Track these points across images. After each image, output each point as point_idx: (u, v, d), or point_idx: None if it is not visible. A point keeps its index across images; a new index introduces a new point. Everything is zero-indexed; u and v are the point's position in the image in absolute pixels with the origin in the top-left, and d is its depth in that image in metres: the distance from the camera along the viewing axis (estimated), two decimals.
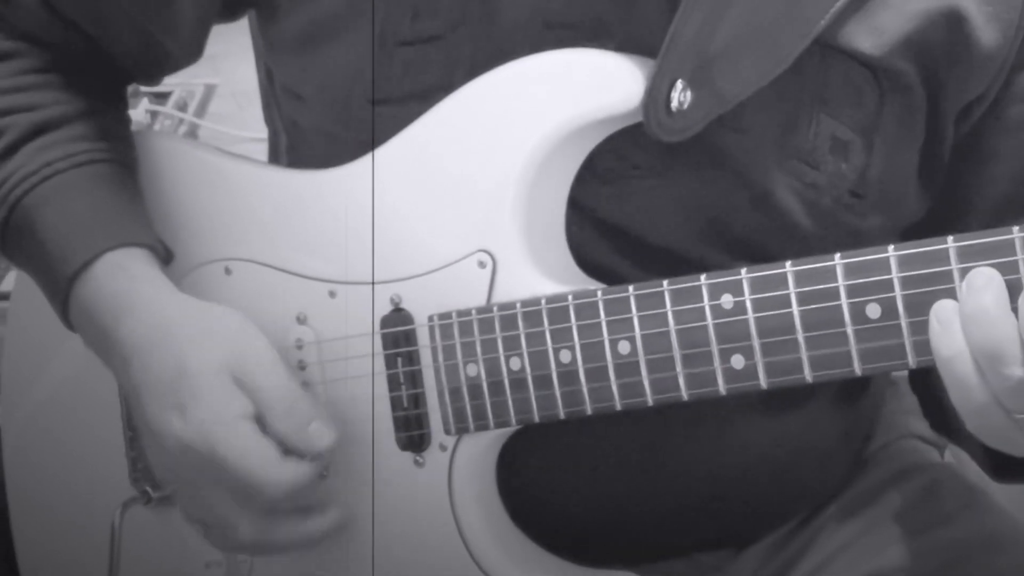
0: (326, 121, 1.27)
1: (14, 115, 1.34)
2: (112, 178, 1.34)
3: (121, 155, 1.37)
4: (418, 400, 1.25)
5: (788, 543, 1.42)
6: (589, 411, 1.17)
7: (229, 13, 1.37)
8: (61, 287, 1.29)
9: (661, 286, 1.13)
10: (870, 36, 1.19)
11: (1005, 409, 0.96)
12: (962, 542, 1.35)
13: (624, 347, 1.15)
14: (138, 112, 2.99)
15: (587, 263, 1.24)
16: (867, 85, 1.22)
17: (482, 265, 1.21)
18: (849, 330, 1.06)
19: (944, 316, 0.97)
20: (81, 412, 1.45)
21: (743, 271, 1.10)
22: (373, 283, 1.25)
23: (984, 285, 0.96)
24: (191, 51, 1.41)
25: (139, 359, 1.24)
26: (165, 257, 1.32)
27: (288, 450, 1.19)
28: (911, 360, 1.05)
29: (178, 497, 1.28)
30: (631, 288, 1.15)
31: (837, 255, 1.07)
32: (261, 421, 1.20)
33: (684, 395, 1.14)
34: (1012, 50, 1.22)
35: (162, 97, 3.92)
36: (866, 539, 1.38)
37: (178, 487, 1.26)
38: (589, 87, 1.18)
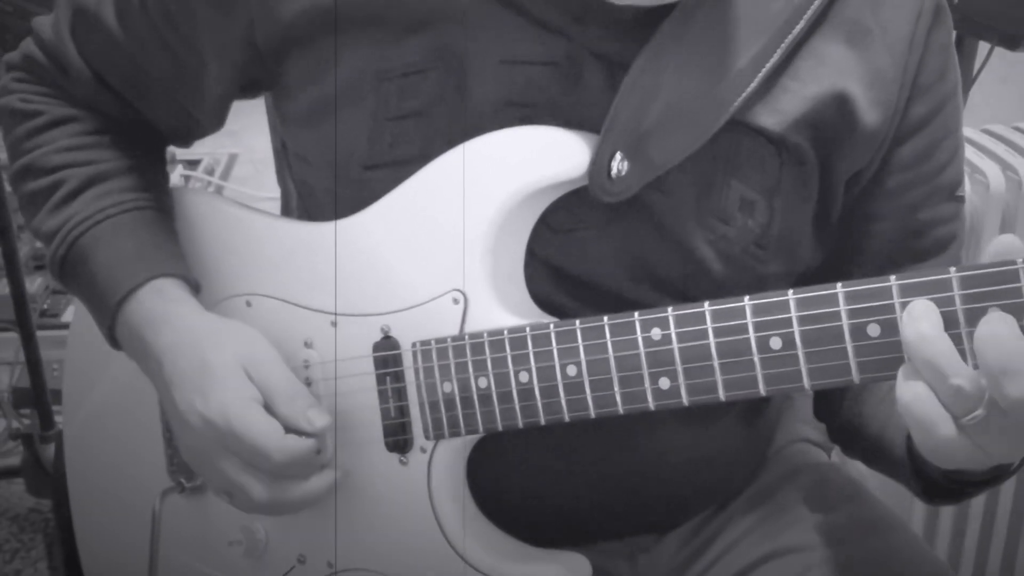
0: (329, 182, 1.27)
1: (74, 168, 1.36)
2: (153, 221, 1.35)
3: (160, 203, 1.38)
4: (403, 411, 1.24)
5: (703, 528, 1.42)
6: (543, 422, 1.17)
7: (248, 92, 1.37)
8: (110, 310, 1.30)
9: (602, 320, 1.13)
10: (773, 116, 1.19)
11: (953, 415, 0.94)
12: (844, 526, 1.35)
13: (572, 370, 1.14)
14: (175, 176, 2.97)
15: (542, 301, 1.24)
16: (770, 156, 1.21)
17: (456, 302, 1.20)
18: (755, 358, 1.06)
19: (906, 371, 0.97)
20: (126, 418, 1.44)
21: (669, 309, 1.10)
22: (336, 314, 1.25)
23: (922, 314, 0.95)
24: (215, 122, 1.42)
25: (169, 360, 1.25)
26: (195, 286, 1.33)
27: (290, 430, 1.20)
28: (806, 384, 1.05)
29: (204, 474, 1.28)
30: (578, 322, 1.14)
31: (746, 297, 1.07)
32: (268, 408, 1.21)
33: (620, 410, 1.13)
34: (892, 128, 1.23)
35: (194, 164, 3.92)
36: (766, 525, 1.38)
37: (202, 464, 1.26)
38: (544, 157, 1.17)
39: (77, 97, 1.40)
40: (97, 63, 1.37)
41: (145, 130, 1.42)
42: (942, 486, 1.16)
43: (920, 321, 0.95)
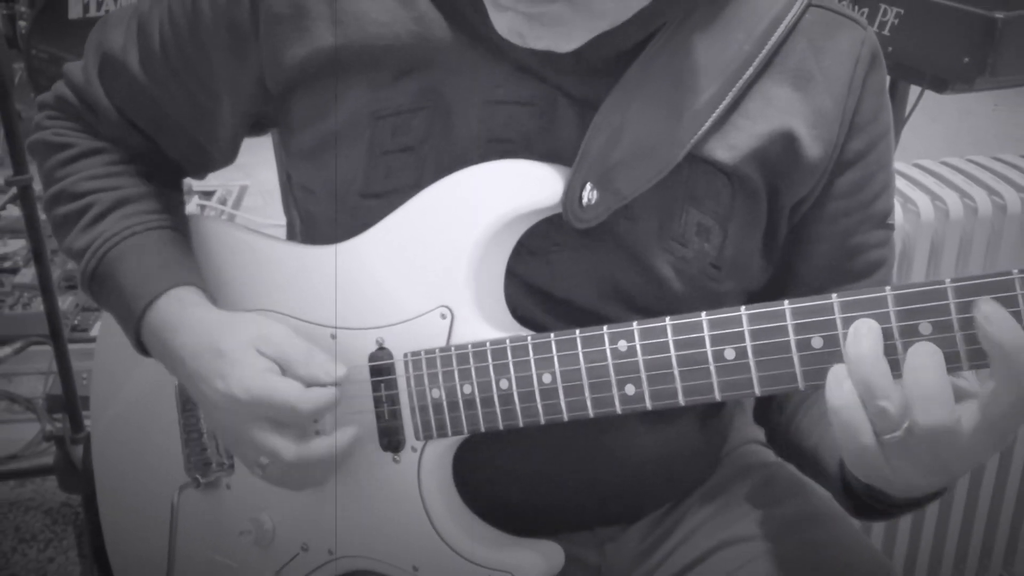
0: (330, 210, 1.27)
1: (102, 193, 1.37)
2: (171, 239, 1.36)
3: (178, 224, 1.39)
4: (396, 415, 1.23)
5: (664, 520, 1.41)
6: (521, 424, 1.17)
7: (258, 129, 1.37)
8: (136, 317, 1.30)
9: (575, 333, 1.13)
10: (727, 151, 1.19)
11: (876, 431, 0.95)
12: (790, 518, 1.34)
13: (547, 378, 1.14)
14: (191, 206, 2.97)
15: (520, 316, 1.24)
16: (724, 186, 1.21)
17: (443, 316, 1.20)
18: (711, 367, 1.06)
19: (837, 374, 0.97)
20: (147, 421, 1.43)
21: (634, 323, 1.10)
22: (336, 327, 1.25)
23: (866, 334, 0.96)
24: (228, 156, 1.42)
25: (189, 355, 1.25)
26: (210, 294, 1.33)
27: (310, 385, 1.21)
28: (757, 390, 1.05)
29: (238, 450, 1.28)
30: (552, 335, 1.14)
31: (703, 312, 1.07)
32: (288, 373, 1.22)
33: (591, 413, 1.13)
34: (831, 161, 1.23)
35: (208, 194, 3.92)
36: (720, 517, 1.37)
37: (236, 440, 1.26)
38: (523, 187, 1.17)
39: (104, 133, 1.40)
40: (122, 103, 1.37)
41: (164, 161, 1.42)
42: (868, 504, 1.17)
43: (862, 341, 0.96)
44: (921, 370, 0.93)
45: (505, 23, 1.10)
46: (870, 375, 0.94)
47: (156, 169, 1.42)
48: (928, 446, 0.94)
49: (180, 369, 1.28)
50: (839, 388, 0.96)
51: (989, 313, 0.92)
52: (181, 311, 1.29)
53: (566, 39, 1.10)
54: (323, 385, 1.21)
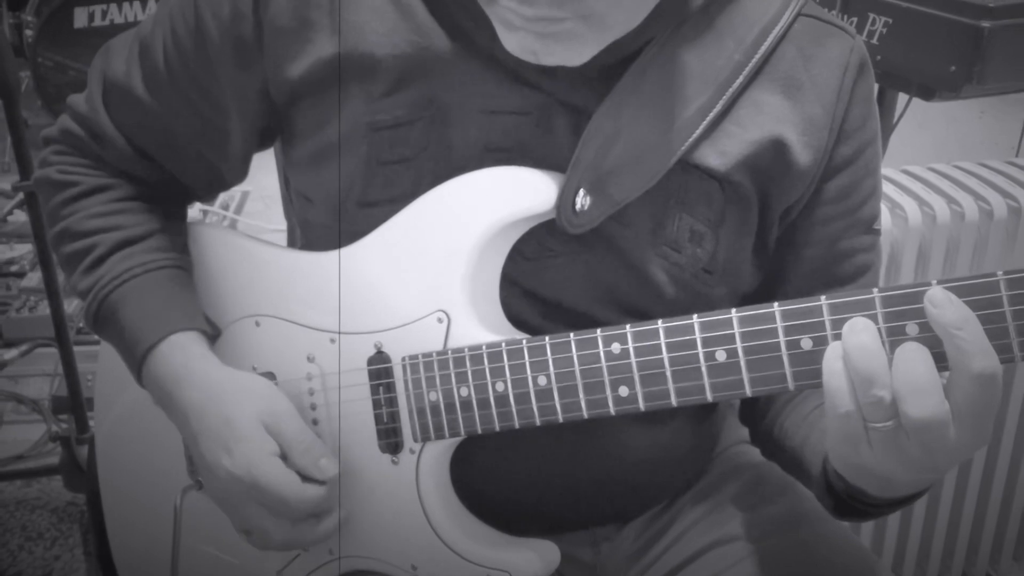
0: (328, 218, 1.27)
1: (105, 233, 1.35)
2: (174, 280, 1.35)
3: (180, 262, 1.37)
4: (394, 417, 1.23)
5: (658, 519, 1.41)
6: (517, 426, 1.17)
7: (265, 142, 1.36)
8: (137, 360, 1.30)
9: (569, 336, 1.13)
10: (718, 157, 1.19)
11: (864, 420, 0.96)
12: (778, 517, 1.35)
13: (542, 380, 1.14)
14: (194, 211, 2.97)
15: (515, 319, 1.24)
16: (715, 192, 1.21)
17: (440, 321, 1.20)
18: (703, 369, 1.07)
19: (832, 355, 0.98)
20: (150, 423, 1.42)
21: (627, 326, 1.10)
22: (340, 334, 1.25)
23: (863, 328, 0.97)
24: (239, 174, 1.41)
25: (195, 416, 1.25)
26: (212, 335, 1.33)
27: (305, 478, 1.22)
28: (748, 391, 1.05)
29: (229, 514, 1.28)
30: (547, 338, 1.14)
31: (695, 315, 1.07)
32: (285, 458, 1.22)
33: (585, 415, 1.13)
34: (820, 167, 1.23)
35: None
36: (712, 516, 1.37)
37: (230, 508, 1.26)
38: (517, 193, 1.17)
39: (112, 164, 1.39)
40: (129, 130, 1.36)
41: (172, 190, 1.41)
42: (849, 504, 1.18)
43: (860, 334, 0.97)
44: (911, 363, 0.94)
45: (516, 42, 1.10)
46: (869, 365, 0.95)
47: (163, 199, 1.41)
48: (918, 440, 0.95)
49: (184, 426, 1.28)
50: (833, 374, 0.98)
51: (933, 296, 0.94)
52: (185, 362, 1.28)
53: (578, 54, 1.10)
54: (316, 481, 1.22)
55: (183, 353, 1.28)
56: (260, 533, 1.24)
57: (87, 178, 1.38)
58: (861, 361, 0.95)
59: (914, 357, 0.94)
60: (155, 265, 1.34)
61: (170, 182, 1.40)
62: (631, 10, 1.10)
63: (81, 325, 3.54)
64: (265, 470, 1.20)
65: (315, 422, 1.28)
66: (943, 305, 0.93)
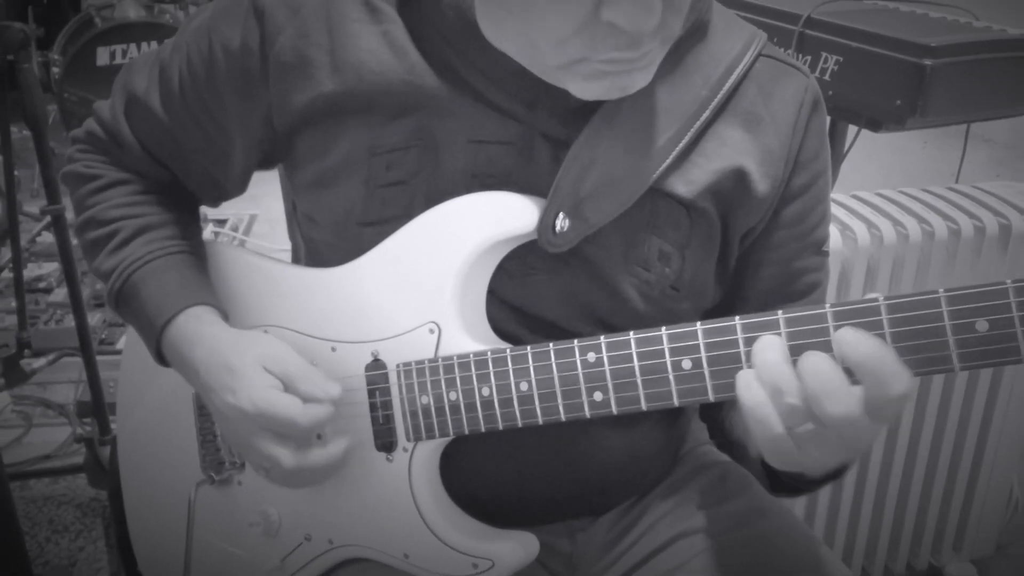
0: (331, 237, 1.27)
1: (127, 220, 1.37)
2: (189, 263, 1.36)
3: (195, 248, 1.39)
4: (389, 419, 1.23)
5: (629, 512, 1.41)
6: (501, 427, 1.17)
7: (266, 164, 1.37)
8: (156, 331, 1.30)
9: (549, 346, 1.13)
10: (685, 186, 1.20)
11: (787, 427, 0.96)
12: (741, 512, 1.35)
13: (524, 386, 1.14)
14: (206, 232, 2.97)
15: (500, 331, 1.24)
16: (683, 217, 1.22)
17: (432, 331, 1.20)
18: (670, 376, 1.07)
19: (744, 379, 0.98)
20: (166, 425, 1.43)
21: (602, 337, 1.10)
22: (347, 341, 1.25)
23: (768, 346, 0.97)
24: (239, 188, 1.42)
25: (204, 369, 1.24)
26: (223, 313, 1.33)
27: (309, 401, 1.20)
28: (711, 396, 1.05)
29: (245, 454, 1.26)
30: (529, 348, 1.14)
31: (663, 328, 1.07)
32: (289, 390, 1.20)
33: (563, 417, 1.13)
34: (777, 195, 1.24)
35: (222, 222, 3.91)
36: (679, 510, 1.38)
37: (243, 447, 1.24)
38: (502, 216, 1.17)
39: (128, 165, 1.40)
40: (145, 139, 1.37)
41: (183, 191, 1.43)
42: (784, 483, 1.21)
43: (768, 351, 0.97)
44: (817, 367, 0.94)
45: (600, 89, 1.10)
46: (779, 378, 0.95)
47: (175, 197, 1.42)
48: (837, 433, 0.94)
49: (195, 380, 1.28)
50: (749, 391, 0.97)
51: (844, 337, 0.94)
52: (198, 328, 1.28)
53: (651, 73, 1.11)
54: (320, 401, 1.20)
55: (197, 321, 1.28)
56: (274, 463, 1.21)
57: (110, 172, 1.41)
58: (767, 375, 0.96)
59: (818, 361, 0.94)
60: (175, 248, 1.35)
61: (180, 185, 1.42)
62: (682, 18, 1.10)
63: (104, 336, 3.54)
64: (267, 397, 1.18)
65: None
66: (855, 344, 0.93)
